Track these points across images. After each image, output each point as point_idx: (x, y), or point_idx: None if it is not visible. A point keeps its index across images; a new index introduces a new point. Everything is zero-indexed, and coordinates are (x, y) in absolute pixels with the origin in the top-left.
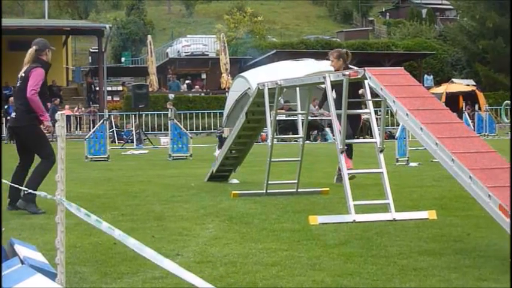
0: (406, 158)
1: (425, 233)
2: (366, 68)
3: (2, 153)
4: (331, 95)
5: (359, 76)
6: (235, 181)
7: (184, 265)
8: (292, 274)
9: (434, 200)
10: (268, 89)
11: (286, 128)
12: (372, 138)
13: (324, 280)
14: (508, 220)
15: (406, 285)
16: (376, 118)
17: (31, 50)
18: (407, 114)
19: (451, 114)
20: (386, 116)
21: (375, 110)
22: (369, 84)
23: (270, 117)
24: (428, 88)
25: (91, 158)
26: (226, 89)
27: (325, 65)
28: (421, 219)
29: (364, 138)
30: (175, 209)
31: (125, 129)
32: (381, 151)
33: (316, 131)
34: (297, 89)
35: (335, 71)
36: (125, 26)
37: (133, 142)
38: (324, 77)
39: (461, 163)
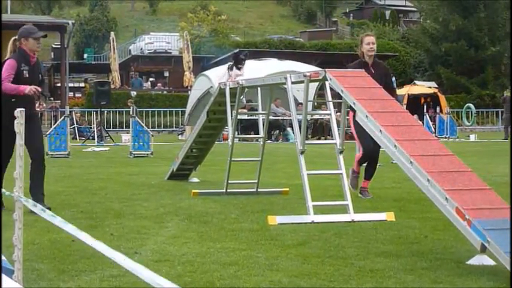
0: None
1: (383, 235)
2: (326, 69)
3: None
4: (292, 95)
5: (320, 77)
6: (195, 180)
7: (142, 264)
8: (249, 274)
9: (393, 201)
10: (230, 88)
11: (248, 127)
12: (332, 139)
13: (281, 280)
14: (464, 223)
15: (362, 286)
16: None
17: (11, 40)
18: (366, 116)
19: (410, 117)
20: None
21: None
22: (329, 86)
23: (231, 116)
24: None
25: (51, 154)
26: (189, 88)
27: (288, 65)
28: (379, 220)
29: (325, 139)
30: (134, 207)
31: (82, 126)
32: (341, 152)
33: (277, 131)
34: (259, 88)
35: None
36: (87, 23)
37: (94, 139)
38: (285, 78)
39: (419, 166)
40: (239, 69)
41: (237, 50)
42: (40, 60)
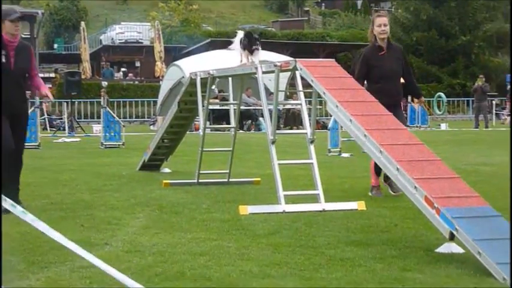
0: (339, 149)
1: (353, 224)
2: (297, 59)
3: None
4: (263, 84)
5: (290, 67)
6: (167, 170)
7: (112, 254)
8: (220, 264)
9: (364, 190)
10: (201, 78)
11: (220, 117)
12: (303, 129)
13: (251, 270)
14: (433, 211)
15: (332, 275)
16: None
17: None
18: (337, 106)
19: (380, 107)
20: (320, 107)
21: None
22: (300, 75)
23: (203, 106)
24: None
25: None
26: (160, 78)
27: (259, 55)
28: (350, 209)
29: (297, 129)
30: (105, 198)
31: (52, 116)
32: (312, 142)
33: (250, 121)
34: (230, 78)
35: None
36: (57, 12)
37: (65, 130)
38: (256, 68)
39: (389, 155)
40: (257, 48)
41: (209, 39)
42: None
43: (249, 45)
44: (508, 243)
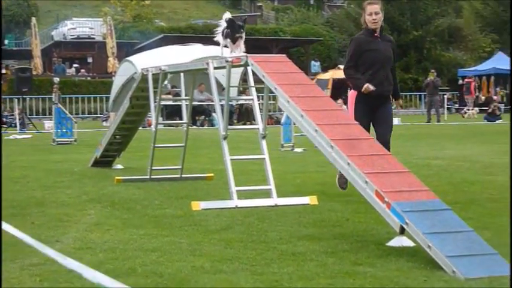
0: (292, 144)
1: (305, 218)
2: (249, 54)
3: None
4: (215, 80)
5: (242, 63)
6: (119, 167)
7: (63, 252)
8: (172, 260)
9: (317, 185)
10: (152, 74)
11: (173, 113)
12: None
13: (203, 265)
14: (384, 205)
15: (284, 270)
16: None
17: None
18: (288, 101)
19: (331, 102)
20: (273, 102)
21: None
22: (252, 71)
23: (154, 102)
24: (315, 74)
25: None
26: (113, 73)
27: (212, 50)
28: (302, 204)
29: (251, 124)
30: (57, 194)
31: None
32: (263, 137)
33: (203, 116)
34: (181, 74)
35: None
36: (8, 8)
37: (16, 126)
38: (208, 63)
39: (339, 150)
40: (240, 37)
41: (162, 35)
42: None
43: (232, 33)
44: (458, 236)
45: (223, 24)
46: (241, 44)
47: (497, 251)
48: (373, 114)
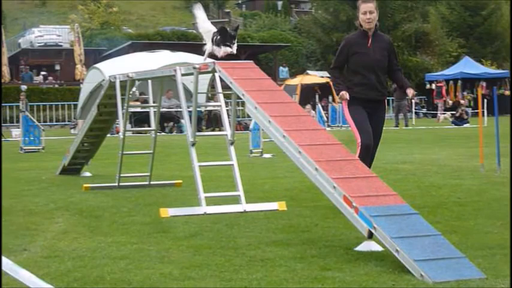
0: (260, 150)
1: (274, 224)
2: (216, 61)
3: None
4: (183, 87)
5: (209, 69)
6: (87, 174)
7: (30, 260)
8: (140, 267)
9: (285, 191)
10: (120, 81)
11: (141, 120)
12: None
13: (171, 273)
14: (352, 210)
15: (252, 276)
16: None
17: None
18: (255, 107)
19: (299, 107)
20: (241, 108)
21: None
22: (219, 77)
23: (122, 109)
24: (284, 80)
25: None
26: (81, 81)
27: (180, 57)
28: (271, 210)
29: (219, 130)
30: (24, 203)
31: None
32: (232, 143)
33: (171, 123)
34: (149, 81)
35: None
36: None
37: None
38: (175, 70)
39: (307, 155)
40: (230, 46)
41: (130, 42)
42: None
43: (222, 41)
44: (425, 240)
45: (209, 26)
46: (233, 47)
47: (464, 255)
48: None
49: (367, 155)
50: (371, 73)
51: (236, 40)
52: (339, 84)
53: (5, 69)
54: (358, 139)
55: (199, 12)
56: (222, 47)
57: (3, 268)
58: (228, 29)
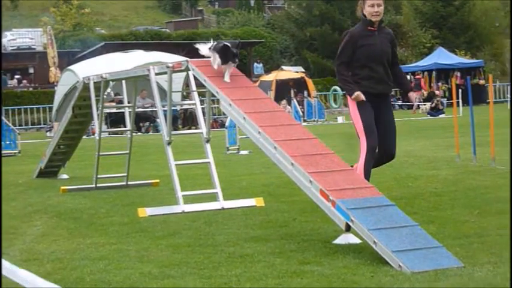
0: (237, 147)
1: (252, 220)
2: (190, 59)
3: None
4: (156, 87)
5: (182, 68)
6: (64, 176)
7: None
8: (119, 267)
9: (263, 187)
10: (94, 82)
11: (117, 120)
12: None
13: (151, 272)
14: (329, 204)
15: (232, 272)
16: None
17: None
18: (230, 105)
19: (273, 103)
20: (217, 106)
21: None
22: (193, 75)
23: (97, 110)
24: (259, 76)
25: None
26: (55, 83)
27: (154, 56)
28: (249, 206)
29: (196, 129)
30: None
31: None
32: (207, 141)
33: (147, 123)
34: (123, 81)
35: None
36: None
37: None
38: (149, 69)
39: (283, 150)
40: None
41: (103, 43)
42: None
43: (225, 60)
44: (403, 231)
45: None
46: (230, 70)
47: (442, 244)
48: (375, 112)
49: (373, 157)
50: (379, 65)
51: (238, 59)
52: (349, 83)
53: None
54: (363, 142)
55: (201, 46)
56: (229, 64)
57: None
58: (230, 46)
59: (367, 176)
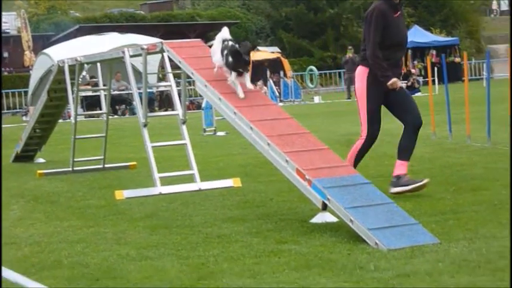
0: (214, 128)
1: (229, 201)
2: (165, 40)
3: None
4: (131, 69)
5: (157, 49)
6: (41, 160)
7: None
8: (97, 250)
9: (240, 167)
10: (69, 65)
11: (93, 103)
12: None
13: (129, 253)
14: (305, 183)
15: (209, 252)
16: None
17: None
18: (205, 85)
19: None
20: (193, 87)
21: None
22: (168, 57)
23: (73, 94)
24: None
25: None
26: (30, 67)
27: (129, 39)
28: (226, 187)
29: (172, 111)
30: None
31: None
32: (184, 123)
33: (123, 106)
34: (98, 64)
35: None
36: None
37: None
38: (123, 52)
39: (259, 131)
40: (242, 73)
41: (77, 26)
42: None
43: (235, 66)
44: (379, 209)
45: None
46: (247, 77)
47: (418, 221)
48: (386, 97)
49: (370, 146)
50: (399, 49)
51: (250, 63)
52: (386, 69)
53: None
54: (364, 129)
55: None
56: (233, 72)
57: None
58: (241, 52)
59: (356, 161)
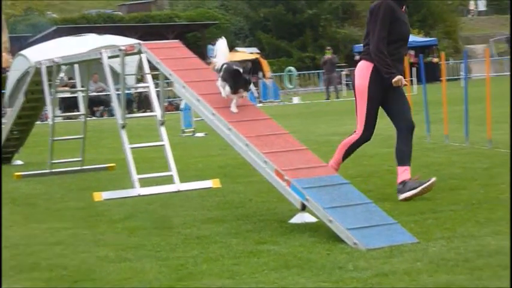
0: (192, 129)
1: (208, 202)
2: (143, 41)
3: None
4: (109, 70)
5: (135, 50)
6: (19, 162)
7: None
8: (76, 252)
9: (219, 168)
10: (46, 67)
11: (71, 105)
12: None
13: (107, 255)
14: (284, 183)
15: (188, 253)
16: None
17: None
18: (184, 87)
19: None
20: (171, 88)
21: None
22: (146, 58)
23: (50, 95)
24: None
25: None
26: (7, 69)
27: (107, 40)
28: (205, 188)
29: (151, 112)
30: None
31: None
32: (162, 124)
33: (102, 107)
34: (76, 65)
35: None
36: None
37: None
38: (101, 53)
39: (237, 131)
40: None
41: (55, 27)
42: None
43: (235, 86)
44: (357, 208)
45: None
46: (244, 94)
47: (396, 221)
48: (385, 94)
49: (361, 144)
50: (403, 44)
51: (250, 83)
52: (390, 66)
53: None
54: (360, 130)
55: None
56: (232, 93)
57: None
58: (241, 71)
59: (347, 153)
